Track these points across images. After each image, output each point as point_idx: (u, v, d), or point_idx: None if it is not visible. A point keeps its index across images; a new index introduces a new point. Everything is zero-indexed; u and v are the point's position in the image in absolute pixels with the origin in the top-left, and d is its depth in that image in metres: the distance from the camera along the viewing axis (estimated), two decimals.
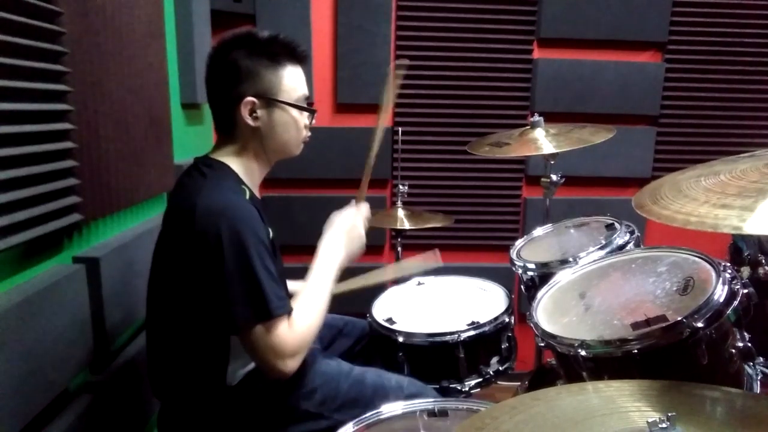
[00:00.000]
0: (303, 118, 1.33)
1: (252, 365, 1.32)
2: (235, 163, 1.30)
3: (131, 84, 1.59)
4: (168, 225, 1.27)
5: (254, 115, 1.27)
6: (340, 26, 2.59)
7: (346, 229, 1.38)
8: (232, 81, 1.27)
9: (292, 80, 1.30)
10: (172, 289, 1.24)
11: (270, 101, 1.27)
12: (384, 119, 1.59)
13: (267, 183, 2.71)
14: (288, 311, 1.18)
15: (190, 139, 2.19)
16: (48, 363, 1.16)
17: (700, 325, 1.00)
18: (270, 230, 1.26)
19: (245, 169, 1.31)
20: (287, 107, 1.29)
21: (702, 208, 0.86)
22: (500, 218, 2.84)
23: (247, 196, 1.25)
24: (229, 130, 1.31)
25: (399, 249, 2.36)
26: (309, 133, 1.37)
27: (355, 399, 1.32)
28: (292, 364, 1.18)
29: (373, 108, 2.66)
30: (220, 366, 1.25)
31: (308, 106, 1.35)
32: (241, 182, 1.29)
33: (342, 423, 1.22)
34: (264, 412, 1.29)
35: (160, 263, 1.28)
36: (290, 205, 2.69)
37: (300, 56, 1.33)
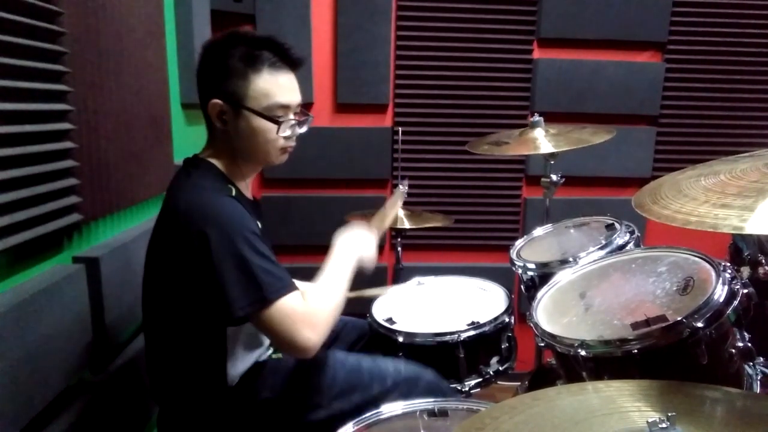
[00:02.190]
0: (272, 127, 1.25)
1: (250, 363, 1.32)
2: (219, 163, 1.30)
3: (131, 84, 1.59)
4: (157, 226, 1.27)
5: (223, 118, 1.26)
6: (340, 26, 2.59)
7: (359, 236, 1.40)
8: (206, 82, 1.27)
9: (263, 86, 1.24)
10: (165, 290, 1.24)
11: (236, 106, 1.24)
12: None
13: (267, 183, 2.72)
14: (290, 288, 1.16)
15: (190, 139, 2.18)
16: (48, 363, 1.16)
17: (700, 325, 1.00)
18: (259, 224, 1.25)
19: (229, 169, 1.30)
20: (251, 115, 1.24)
21: (702, 207, 0.86)
22: (500, 218, 2.84)
23: (233, 194, 1.25)
24: (210, 129, 1.31)
25: (399, 249, 2.36)
26: (292, 143, 1.31)
27: (352, 385, 1.32)
28: (311, 338, 1.16)
29: (374, 108, 2.69)
30: (218, 366, 1.25)
31: (301, 113, 1.31)
32: (228, 181, 1.28)
33: (341, 411, 1.22)
34: (262, 409, 1.29)
35: (152, 265, 1.28)
36: (290, 205, 2.69)
37: (287, 60, 1.27)
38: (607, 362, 1.09)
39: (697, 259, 1.21)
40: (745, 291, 1.06)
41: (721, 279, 1.07)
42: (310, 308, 1.18)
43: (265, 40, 1.27)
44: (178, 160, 1.95)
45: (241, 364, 1.30)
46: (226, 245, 1.13)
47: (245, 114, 1.24)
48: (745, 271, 1.35)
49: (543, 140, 1.92)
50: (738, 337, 1.07)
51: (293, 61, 1.29)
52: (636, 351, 1.03)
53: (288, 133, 1.28)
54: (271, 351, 1.42)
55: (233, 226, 1.15)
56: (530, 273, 1.66)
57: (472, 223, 2.80)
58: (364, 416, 1.15)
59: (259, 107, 1.24)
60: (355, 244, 1.37)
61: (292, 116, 1.29)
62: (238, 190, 1.29)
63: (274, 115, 1.25)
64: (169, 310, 1.24)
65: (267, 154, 1.30)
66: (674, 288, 1.16)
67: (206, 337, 1.23)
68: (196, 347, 1.24)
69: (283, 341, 1.17)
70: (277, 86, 1.25)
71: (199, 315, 1.20)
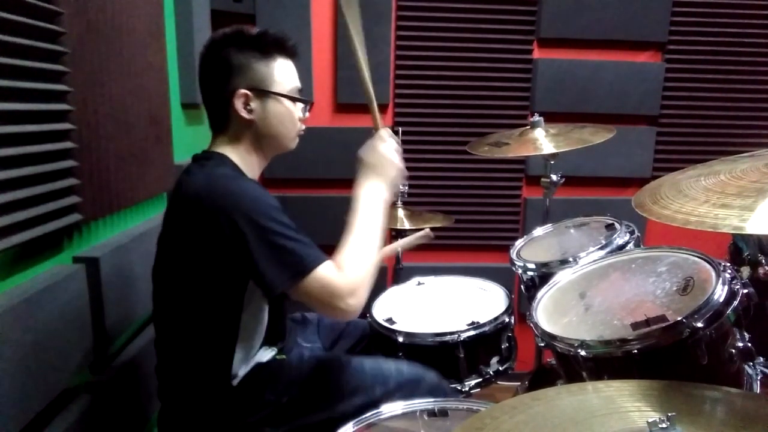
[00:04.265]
0: (297, 110, 1.34)
1: (253, 364, 1.32)
2: (232, 155, 1.31)
3: (131, 84, 1.59)
4: (172, 220, 1.26)
5: (248, 107, 1.28)
6: (340, 26, 2.59)
7: (377, 162, 1.34)
8: (224, 76, 1.28)
9: (283, 72, 1.31)
10: (177, 281, 1.24)
11: (263, 93, 1.28)
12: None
13: (267, 183, 2.72)
14: (321, 258, 1.17)
15: (190, 139, 2.19)
16: (48, 363, 1.16)
17: (700, 325, 1.00)
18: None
19: (242, 161, 1.32)
20: (281, 98, 1.30)
21: (702, 207, 0.87)
22: (500, 218, 2.84)
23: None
24: (223, 126, 1.32)
25: (399, 249, 2.35)
26: (303, 127, 1.38)
27: (354, 387, 1.32)
28: (352, 304, 1.17)
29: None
30: (224, 363, 1.25)
31: (302, 98, 1.36)
32: (240, 172, 1.29)
33: (343, 413, 1.22)
34: (264, 409, 1.29)
35: (166, 259, 1.28)
36: (290, 205, 2.69)
37: (290, 50, 1.34)
38: (607, 362, 1.09)
39: (697, 259, 1.21)
40: (745, 291, 1.06)
41: (721, 279, 1.07)
42: (345, 276, 1.17)
43: (264, 33, 1.32)
44: (178, 161, 1.96)
45: (243, 362, 1.30)
46: (256, 226, 1.14)
47: (274, 99, 1.30)
48: (745, 271, 1.34)
49: (543, 140, 1.92)
50: (738, 337, 1.07)
51: (294, 49, 1.36)
52: (636, 351, 1.03)
53: (305, 115, 1.37)
54: (274, 352, 1.42)
55: (258, 205, 1.16)
56: (530, 273, 1.66)
57: (472, 223, 2.80)
58: (364, 416, 1.16)
59: (284, 91, 1.31)
60: (377, 179, 1.31)
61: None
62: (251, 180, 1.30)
63: (295, 96, 1.33)
64: (180, 302, 1.24)
65: (289, 138, 1.36)
66: (674, 288, 1.16)
67: (215, 329, 1.24)
68: (205, 340, 1.24)
69: (324, 309, 1.18)
70: (292, 72, 1.34)
71: (212, 304, 1.21)
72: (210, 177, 1.21)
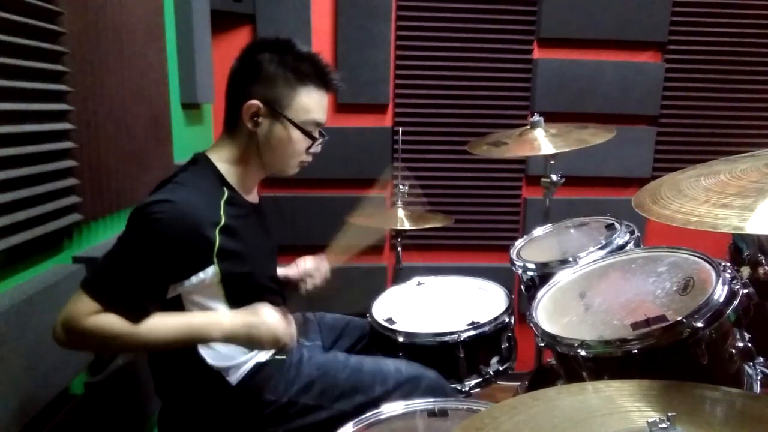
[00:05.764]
0: (304, 141, 1.30)
1: (251, 363, 1.32)
2: (224, 163, 1.29)
3: (131, 84, 1.59)
4: None
5: (256, 119, 1.26)
6: (340, 26, 2.59)
7: (258, 328, 1.18)
8: (248, 79, 1.26)
9: (307, 101, 1.27)
10: None
11: (275, 112, 1.26)
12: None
13: (267, 183, 2.68)
14: (104, 301, 1.08)
15: (190, 139, 2.19)
16: (48, 363, 1.16)
17: (700, 325, 1.00)
18: (221, 238, 1.18)
19: (234, 171, 1.29)
20: (289, 125, 1.27)
21: (702, 207, 0.87)
22: (500, 218, 2.84)
23: (224, 198, 1.23)
24: (232, 127, 1.30)
25: (399, 249, 2.36)
26: (309, 159, 1.35)
27: (354, 387, 1.32)
28: (59, 336, 1.08)
29: (374, 108, 2.69)
30: (196, 360, 1.24)
31: (320, 133, 1.33)
32: (224, 183, 1.27)
33: (342, 413, 1.21)
34: (265, 409, 1.29)
35: None
36: (290, 205, 2.69)
37: (329, 83, 1.31)
38: (607, 362, 1.09)
39: (697, 259, 1.21)
40: (745, 291, 1.06)
41: (721, 279, 1.07)
42: (92, 325, 1.07)
43: (311, 57, 1.30)
44: (178, 160, 1.96)
45: (242, 362, 1.30)
46: (123, 237, 1.13)
47: (283, 122, 1.26)
48: (745, 271, 1.34)
49: (543, 140, 1.92)
50: (738, 337, 1.07)
51: (333, 85, 1.33)
52: (636, 351, 1.03)
53: (314, 149, 1.33)
54: (273, 351, 1.42)
55: (139, 231, 1.12)
56: (530, 273, 1.66)
57: (472, 223, 2.80)
58: (364, 416, 1.15)
59: (297, 120, 1.27)
60: (240, 325, 1.18)
61: (317, 134, 1.32)
62: (233, 192, 1.28)
63: (308, 130, 1.29)
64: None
65: (287, 165, 1.33)
66: (674, 288, 1.16)
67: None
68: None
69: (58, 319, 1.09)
70: (318, 105, 1.30)
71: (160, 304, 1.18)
72: (172, 185, 1.20)
